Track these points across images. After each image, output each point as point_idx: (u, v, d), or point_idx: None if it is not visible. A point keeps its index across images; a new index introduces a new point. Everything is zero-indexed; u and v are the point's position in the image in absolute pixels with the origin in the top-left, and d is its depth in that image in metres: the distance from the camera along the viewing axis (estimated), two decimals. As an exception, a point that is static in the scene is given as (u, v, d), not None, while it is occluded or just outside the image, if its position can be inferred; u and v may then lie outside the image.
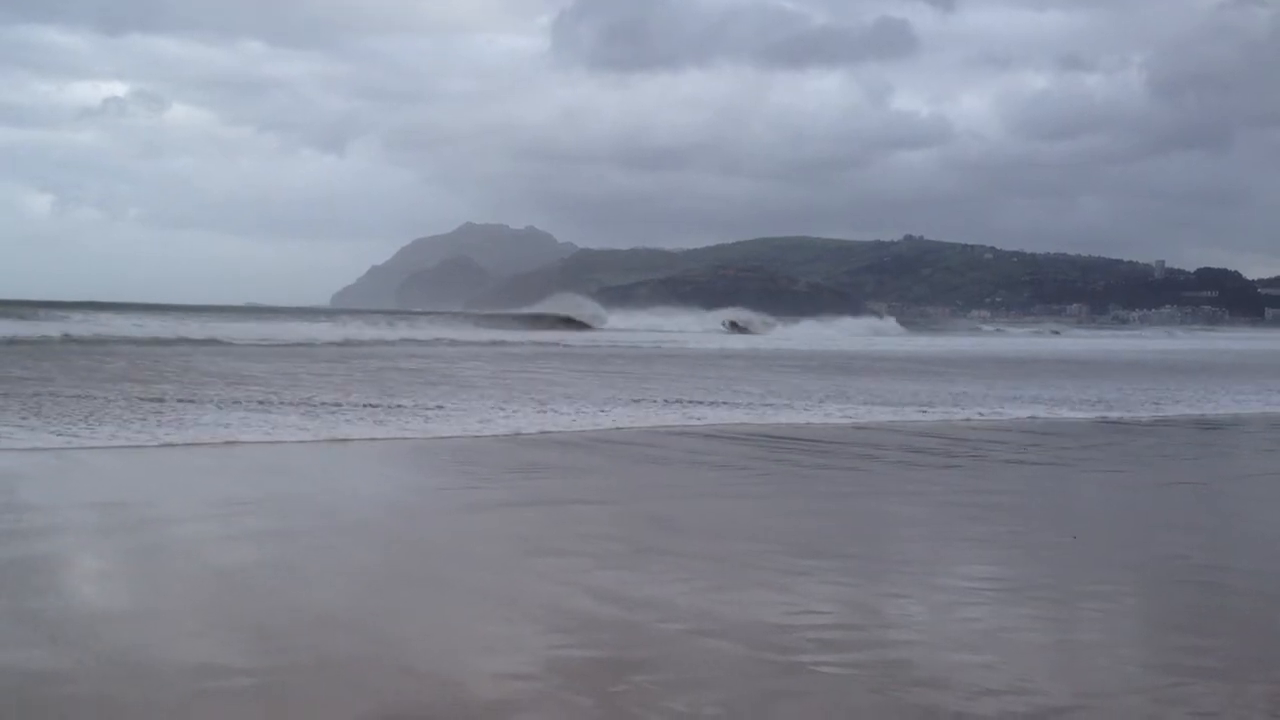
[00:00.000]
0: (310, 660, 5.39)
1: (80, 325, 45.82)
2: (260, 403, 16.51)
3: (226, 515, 8.87)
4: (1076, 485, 11.83)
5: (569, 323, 70.99)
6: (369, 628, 5.92)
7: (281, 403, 16.68)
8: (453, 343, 46.44)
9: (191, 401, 16.34)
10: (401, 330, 53.75)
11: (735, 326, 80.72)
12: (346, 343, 41.83)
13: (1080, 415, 18.81)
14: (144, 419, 14.17)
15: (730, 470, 12.06)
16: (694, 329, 76.58)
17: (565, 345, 45.79)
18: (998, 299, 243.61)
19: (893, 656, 5.61)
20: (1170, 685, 5.21)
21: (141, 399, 16.61)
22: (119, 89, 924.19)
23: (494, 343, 45.61)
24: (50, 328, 43.56)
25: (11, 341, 34.81)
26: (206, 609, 6.27)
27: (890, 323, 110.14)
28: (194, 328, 46.12)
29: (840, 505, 10.40)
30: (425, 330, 54.28)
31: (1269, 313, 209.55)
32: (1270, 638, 6.09)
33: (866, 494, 10.96)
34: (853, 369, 32.39)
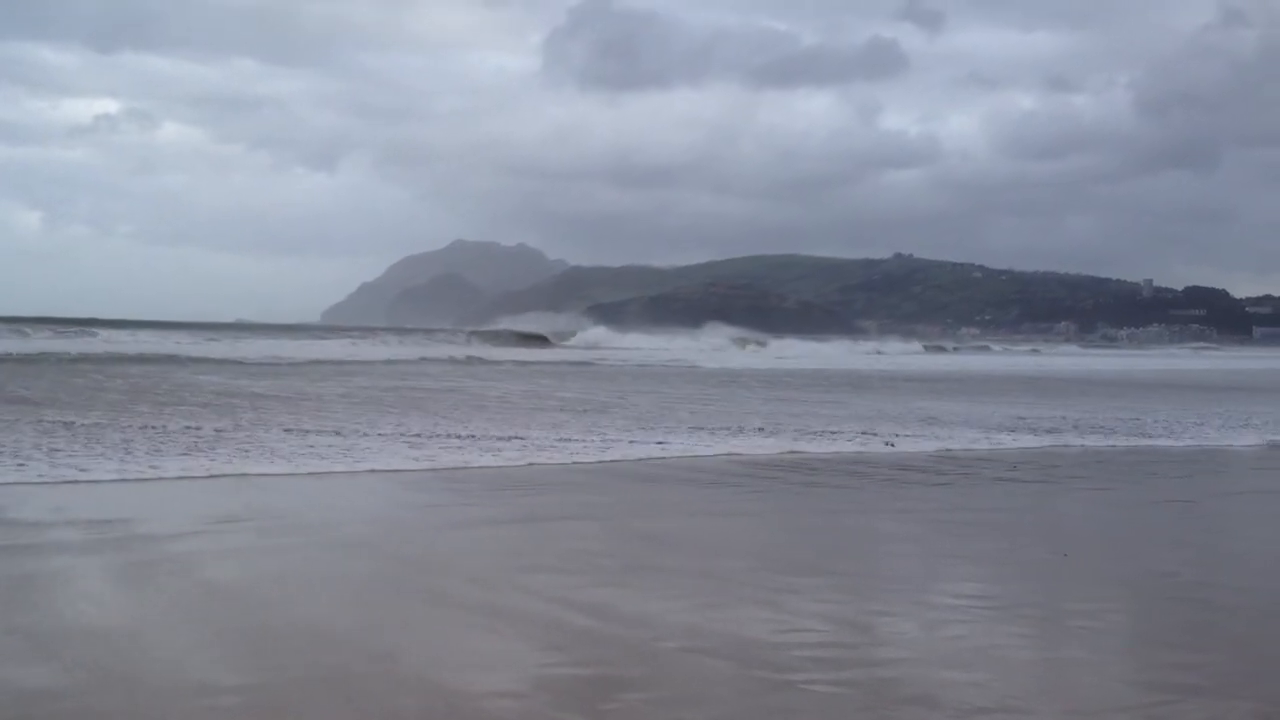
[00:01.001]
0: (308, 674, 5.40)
1: (92, 343, 45.56)
2: (365, 434, 15.54)
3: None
4: (1066, 503, 11.84)
5: (538, 339, 70.35)
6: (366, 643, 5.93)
7: (385, 433, 15.71)
8: (470, 359, 45.34)
9: (328, 433, 15.57)
10: (415, 348, 52.80)
11: (757, 343, 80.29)
12: (370, 361, 40.71)
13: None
14: (262, 446, 13.82)
15: (721, 488, 12.06)
16: (705, 347, 75.16)
17: (592, 364, 45.33)
18: (987, 317, 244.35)
19: (883, 674, 5.61)
20: (1158, 703, 5.22)
21: (220, 425, 16.09)
22: (111, 106, 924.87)
23: (520, 362, 44.36)
24: (57, 344, 43.27)
25: (30, 358, 34.37)
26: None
27: (886, 340, 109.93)
28: (210, 346, 45.76)
29: (831, 522, 10.40)
30: (438, 348, 53.09)
31: (1257, 331, 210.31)
32: (1258, 655, 6.11)
33: (857, 511, 10.97)
34: (914, 390, 31.69)
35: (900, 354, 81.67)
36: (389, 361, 41.63)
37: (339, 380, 28.58)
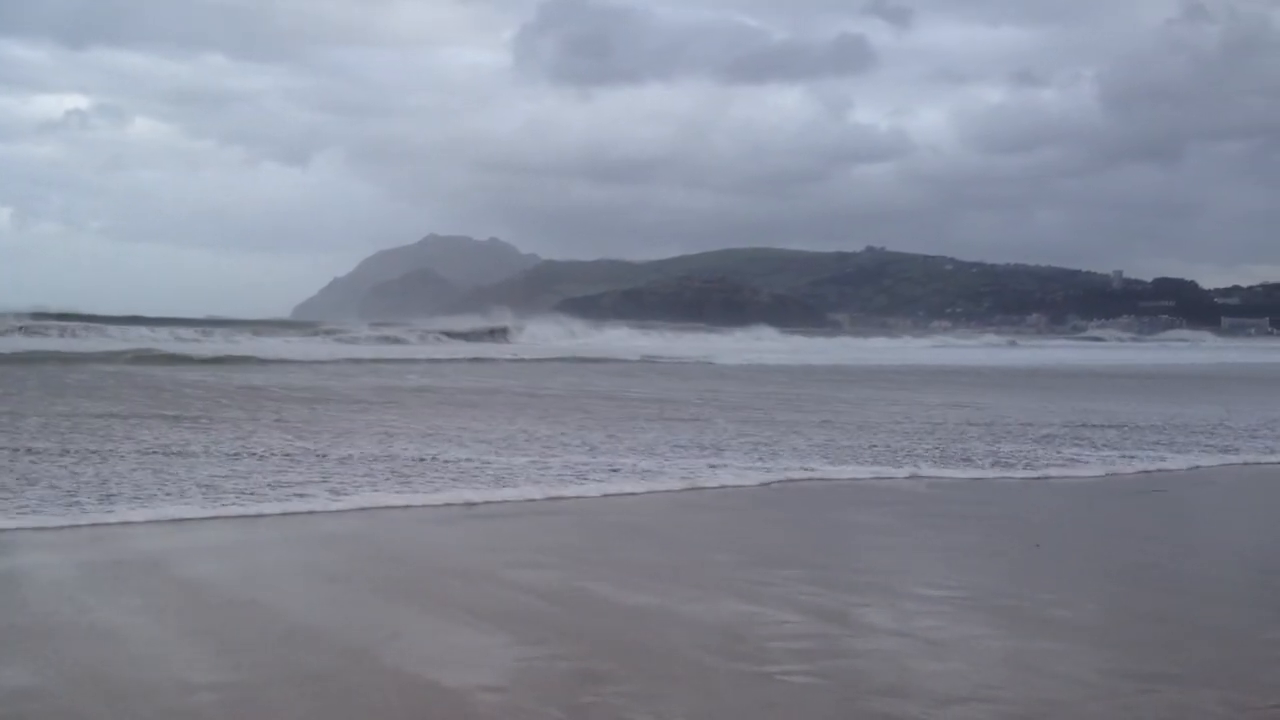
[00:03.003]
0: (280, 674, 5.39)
1: (103, 340, 44.25)
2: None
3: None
4: (1039, 493, 11.92)
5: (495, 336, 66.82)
6: (340, 641, 5.93)
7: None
8: (517, 359, 42.50)
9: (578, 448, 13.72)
10: (446, 347, 50.80)
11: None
12: (406, 360, 38.85)
13: None
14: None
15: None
16: (728, 345, 70.54)
17: (629, 360, 44.42)
18: (958, 309, 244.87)
19: (859, 665, 5.66)
20: (1133, 692, 5.29)
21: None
22: (81, 102, 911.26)
23: (547, 359, 42.82)
24: (94, 344, 41.99)
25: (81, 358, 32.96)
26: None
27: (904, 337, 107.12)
28: (225, 345, 44.40)
29: (807, 515, 10.45)
30: (466, 347, 50.71)
31: (1225, 321, 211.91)
32: (1231, 643, 6.18)
33: (833, 504, 11.02)
34: (1062, 387, 30.63)
35: (926, 349, 77.62)
36: (433, 360, 39.88)
37: (426, 381, 27.75)
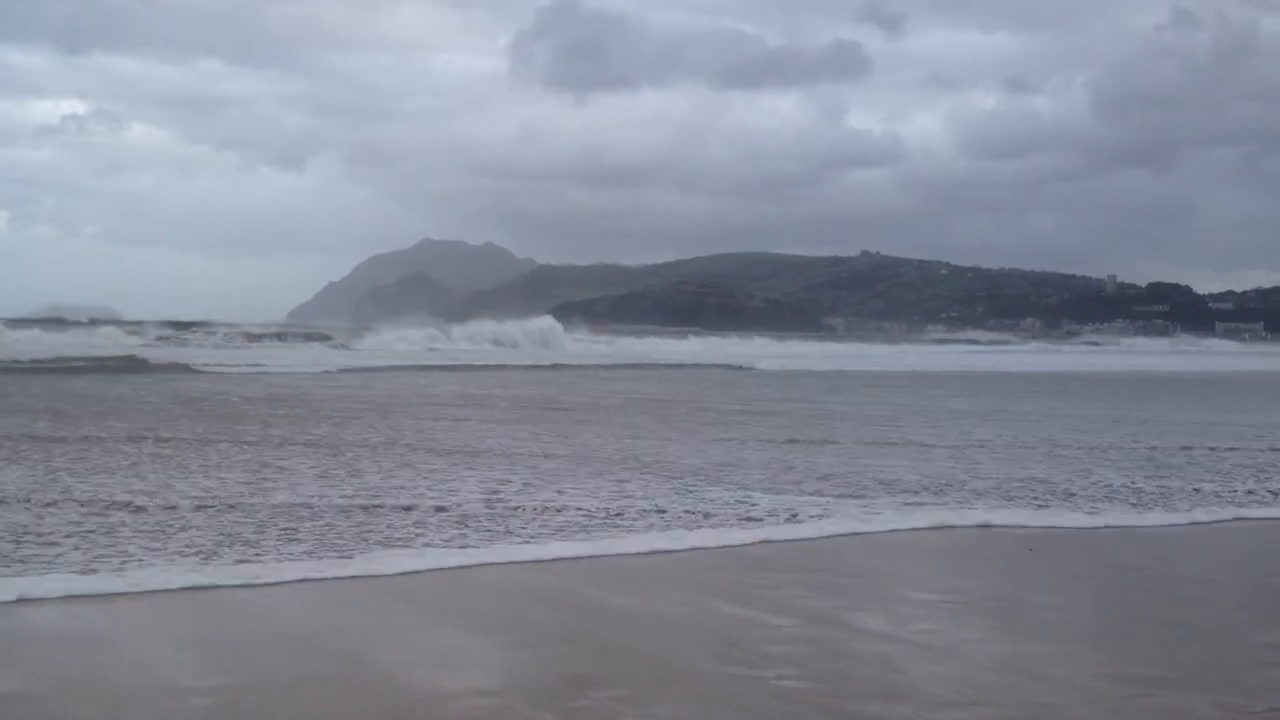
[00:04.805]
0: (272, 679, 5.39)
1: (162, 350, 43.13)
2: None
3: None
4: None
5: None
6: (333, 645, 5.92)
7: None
8: (574, 366, 40.60)
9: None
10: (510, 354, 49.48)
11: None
12: (471, 367, 37.74)
13: None
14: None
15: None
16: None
17: (689, 366, 43.53)
18: (953, 314, 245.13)
19: (852, 669, 5.65)
20: (1126, 696, 5.29)
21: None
22: (79, 107, 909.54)
23: (593, 365, 41.77)
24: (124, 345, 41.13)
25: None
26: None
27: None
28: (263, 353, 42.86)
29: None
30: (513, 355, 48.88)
31: (1219, 326, 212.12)
32: (1224, 647, 6.19)
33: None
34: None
35: (962, 354, 73.69)
36: (488, 366, 38.71)
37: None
